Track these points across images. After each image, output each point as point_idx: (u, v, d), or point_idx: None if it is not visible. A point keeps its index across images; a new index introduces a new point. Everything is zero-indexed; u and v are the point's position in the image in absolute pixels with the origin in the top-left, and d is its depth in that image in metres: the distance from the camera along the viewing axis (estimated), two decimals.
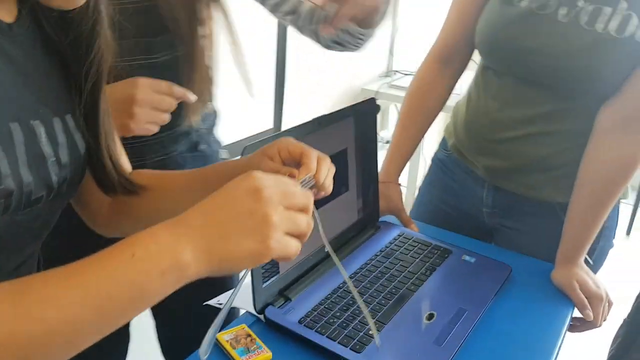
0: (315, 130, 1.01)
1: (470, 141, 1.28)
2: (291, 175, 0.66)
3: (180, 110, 0.98)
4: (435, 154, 1.43)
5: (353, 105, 1.13)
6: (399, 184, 1.32)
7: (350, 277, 1.04)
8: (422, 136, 1.35)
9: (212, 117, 1.19)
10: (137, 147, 1.02)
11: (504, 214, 1.26)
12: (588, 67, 1.05)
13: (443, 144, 1.40)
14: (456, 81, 1.35)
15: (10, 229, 0.62)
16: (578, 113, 1.11)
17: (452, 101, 1.38)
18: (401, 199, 1.30)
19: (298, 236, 0.59)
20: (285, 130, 0.95)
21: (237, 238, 0.55)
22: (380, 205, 1.26)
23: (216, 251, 0.54)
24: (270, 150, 0.72)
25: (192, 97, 0.94)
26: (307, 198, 0.61)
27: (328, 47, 1.09)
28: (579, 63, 1.05)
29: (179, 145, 1.10)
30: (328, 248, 0.70)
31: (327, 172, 0.70)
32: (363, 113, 1.14)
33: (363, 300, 0.97)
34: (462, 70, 1.34)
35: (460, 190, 1.33)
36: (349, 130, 1.12)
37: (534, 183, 1.19)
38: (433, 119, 1.35)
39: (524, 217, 1.24)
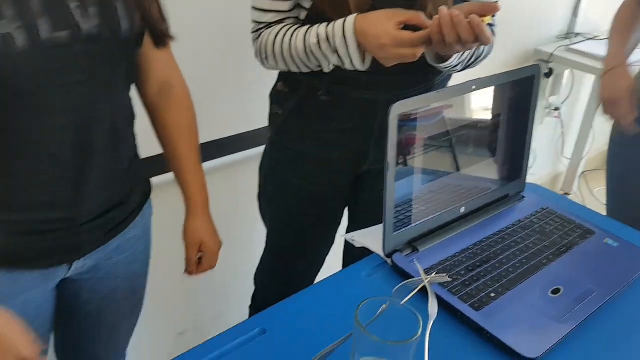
0: (468, 92, 1.03)
1: None
2: None
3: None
4: None
5: (515, 70, 1.11)
6: (629, 66, 1.31)
7: (482, 242, 1.05)
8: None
9: None
10: None
11: None
12: None
13: None
14: None
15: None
16: None
17: None
18: (629, 85, 1.27)
19: None
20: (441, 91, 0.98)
21: None
22: (602, 95, 1.27)
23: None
24: None
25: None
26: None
27: None
28: None
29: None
30: None
31: None
32: (524, 79, 1.12)
33: (492, 263, 0.99)
34: None
35: None
36: (506, 96, 1.11)
37: None
38: None
39: None
